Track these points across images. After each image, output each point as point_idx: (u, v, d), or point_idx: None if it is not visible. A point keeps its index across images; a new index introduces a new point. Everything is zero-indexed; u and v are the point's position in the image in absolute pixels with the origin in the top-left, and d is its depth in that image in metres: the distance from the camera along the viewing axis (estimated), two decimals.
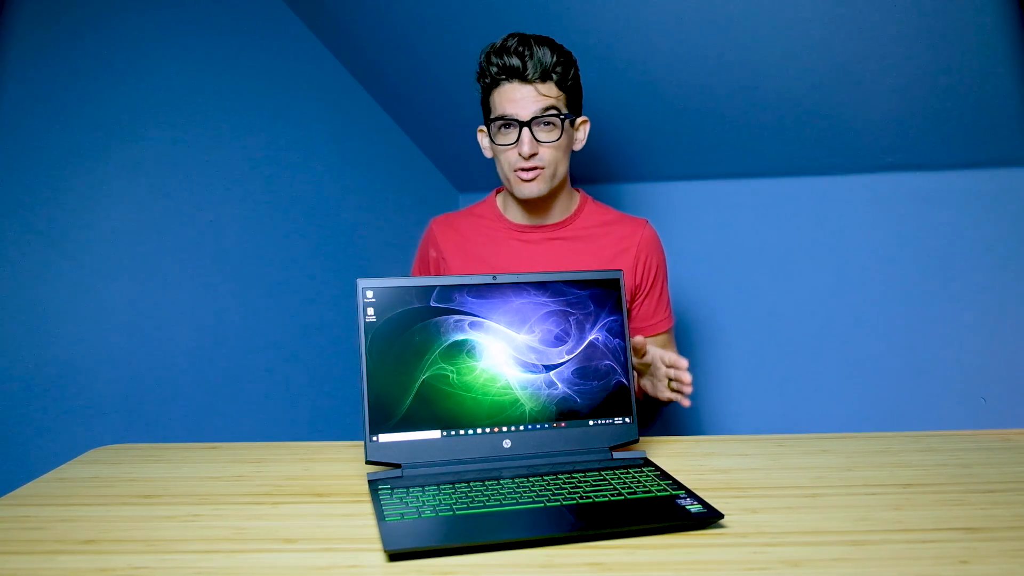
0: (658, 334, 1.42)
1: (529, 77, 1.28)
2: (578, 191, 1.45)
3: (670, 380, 1.17)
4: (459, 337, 0.99)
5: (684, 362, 1.14)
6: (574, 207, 1.43)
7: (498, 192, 1.47)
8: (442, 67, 1.84)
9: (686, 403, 1.17)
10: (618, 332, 1.04)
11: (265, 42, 1.81)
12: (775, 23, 1.51)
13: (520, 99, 1.28)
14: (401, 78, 1.93)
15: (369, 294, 0.98)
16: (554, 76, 1.29)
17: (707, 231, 1.97)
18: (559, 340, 1.02)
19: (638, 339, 1.14)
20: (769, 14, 1.49)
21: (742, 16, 1.51)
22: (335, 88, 1.96)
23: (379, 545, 0.78)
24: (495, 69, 1.30)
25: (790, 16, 1.49)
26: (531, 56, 1.27)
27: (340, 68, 1.95)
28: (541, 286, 1.03)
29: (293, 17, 1.85)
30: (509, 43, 1.29)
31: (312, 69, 1.90)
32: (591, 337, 1.03)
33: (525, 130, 1.28)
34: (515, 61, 1.28)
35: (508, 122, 1.30)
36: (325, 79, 1.94)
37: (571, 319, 1.03)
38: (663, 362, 1.16)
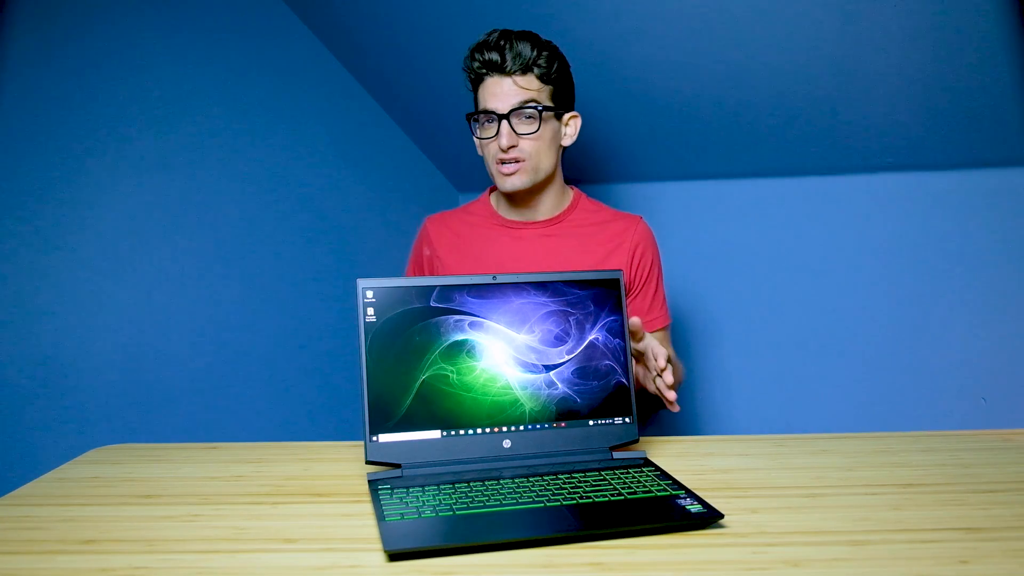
0: (654, 331, 1.42)
1: (508, 70, 1.29)
2: (572, 188, 1.45)
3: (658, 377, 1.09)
4: (459, 337, 0.99)
5: (662, 359, 1.06)
6: (567, 204, 1.43)
7: (492, 190, 1.48)
8: (442, 67, 1.83)
9: (671, 402, 1.07)
10: (618, 332, 1.04)
11: (265, 42, 1.81)
12: (774, 23, 1.51)
13: (500, 92, 1.30)
14: (401, 78, 1.93)
15: (369, 294, 0.98)
16: (535, 69, 1.30)
17: (706, 231, 1.97)
18: (559, 340, 1.02)
19: (635, 320, 1.08)
20: (768, 14, 1.49)
21: (740, 16, 1.51)
22: (335, 88, 1.96)
23: (379, 545, 0.78)
24: (477, 64, 1.32)
25: (789, 16, 1.49)
26: (510, 49, 1.29)
27: (340, 68, 1.95)
28: (541, 286, 1.03)
29: (293, 17, 1.85)
30: (490, 38, 1.31)
31: (312, 69, 1.90)
32: (591, 337, 1.03)
33: (504, 122, 1.29)
34: (494, 55, 1.30)
35: (489, 115, 1.31)
36: (325, 79, 1.94)
37: (571, 319, 1.03)
38: (652, 353, 1.08)
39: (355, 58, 1.93)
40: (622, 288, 1.05)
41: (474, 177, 2.15)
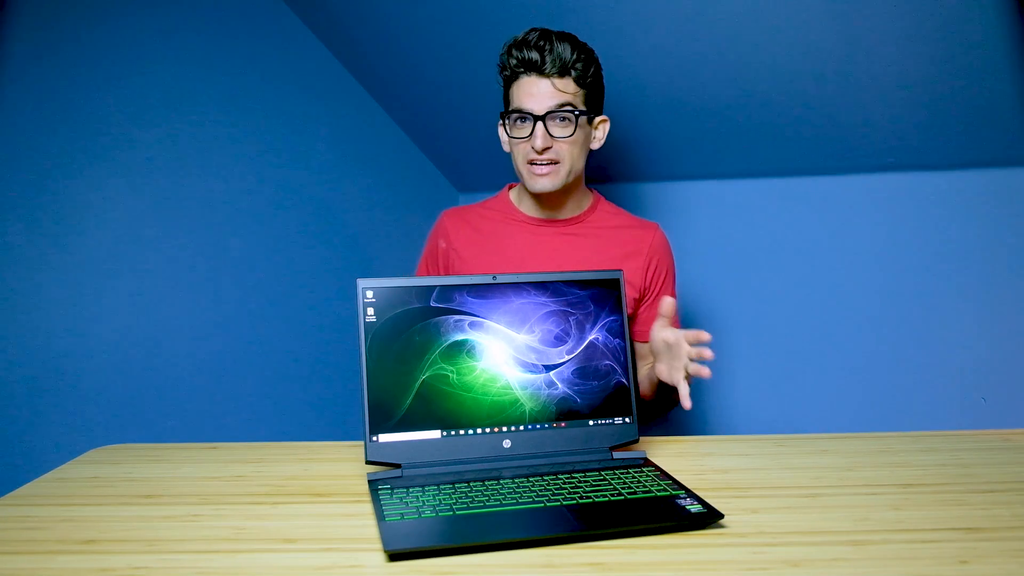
0: None
1: (547, 71, 1.28)
2: (592, 191, 1.46)
3: (690, 361, 1.10)
4: (459, 337, 0.99)
5: (706, 335, 1.07)
6: (587, 205, 1.43)
7: (510, 188, 1.48)
8: (442, 67, 1.84)
9: (706, 373, 1.08)
10: (618, 332, 1.04)
11: (265, 42, 1.81)
12: (777, 24, 1.51)
13: (537, 93, 1.29)
14: (401, 78, 1.93)
15: (369, 294, 0.98)
16: (572, 73, 1.29)
17: (708, 231, 1.97)
18: (559, 340, 1.02)
19: (669, 300, 1.10)
20: (771, 16, 1.49)
21: (744, 17, 1.51)
22: (335, 88, 1.96)
23: (379, 545, 0.78)
24: (514, 62, 1.30)
25: (791, 17, 1.49)
26: (550, 51, 1.28)
27: (340, 68, 1.95)
28: (541, 286, 1.03)
29: (293, 17, 1.85)
30: (530, 37, 1.29)
31: (312, 69, 1.90)
32: (591, 337, 1.03)
33: (539, 124, 1.28)
34: (534, 55, 1.28)
35: (523, 115, 1.30)
36: (325, 79, 1.94)
37: (571, 319, 1.03)
38: (687, 339, 1.09)
39: (355, 58, 1.93)
40: (622, 288, 1.05)
41: (474, 177, 2.15)
